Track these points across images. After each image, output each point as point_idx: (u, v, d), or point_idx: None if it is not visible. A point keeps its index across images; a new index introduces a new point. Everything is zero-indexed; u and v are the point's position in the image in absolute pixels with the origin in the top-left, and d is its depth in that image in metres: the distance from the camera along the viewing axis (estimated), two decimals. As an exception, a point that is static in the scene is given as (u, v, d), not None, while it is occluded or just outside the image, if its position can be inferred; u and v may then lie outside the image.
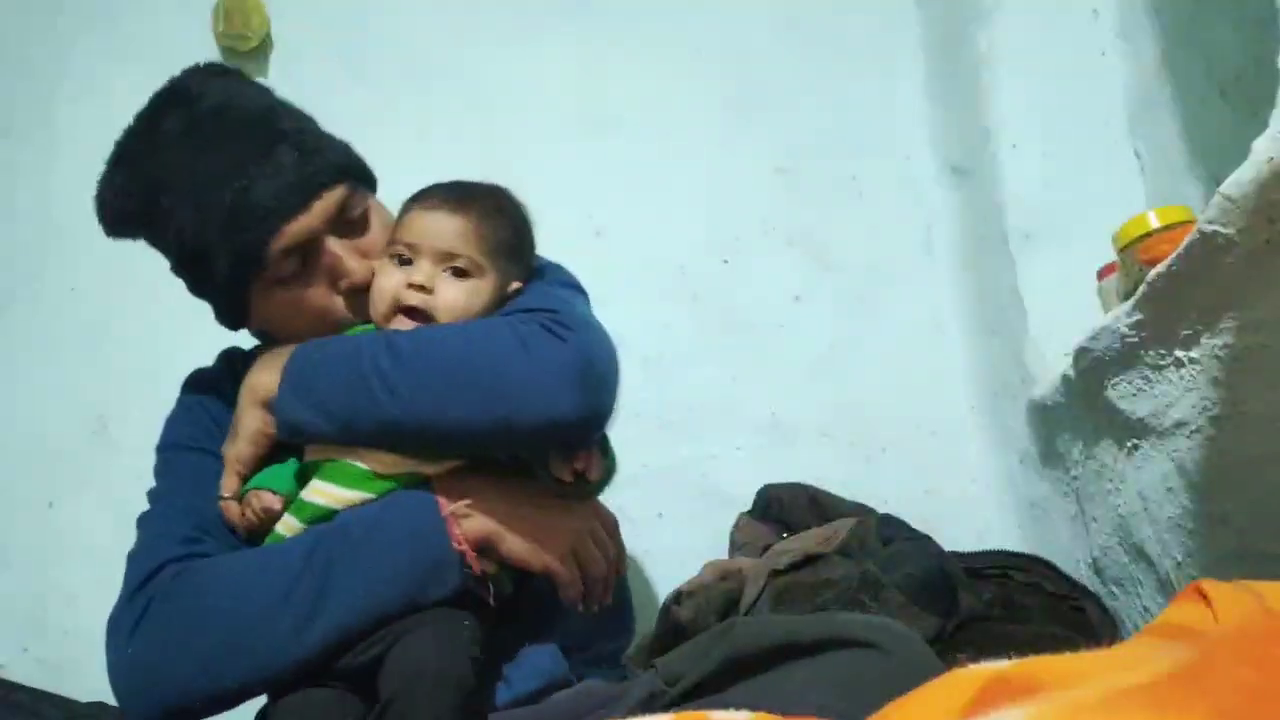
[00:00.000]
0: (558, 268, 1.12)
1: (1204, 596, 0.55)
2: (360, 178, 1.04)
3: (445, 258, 0.94)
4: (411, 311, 0.94)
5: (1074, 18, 1.51)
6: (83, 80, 1.76)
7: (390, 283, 0.94)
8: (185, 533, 0.93)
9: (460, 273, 0.94)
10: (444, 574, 0.87)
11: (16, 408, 1.63)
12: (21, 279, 1.68)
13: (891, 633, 0.75)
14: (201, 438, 1.02)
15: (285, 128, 1.00)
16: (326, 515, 0.91)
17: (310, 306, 0.99)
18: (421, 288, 0.93)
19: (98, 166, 1.73)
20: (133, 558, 0.92)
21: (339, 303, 1.00)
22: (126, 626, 0.84)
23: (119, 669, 0.84)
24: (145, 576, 0.87)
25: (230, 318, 1.05)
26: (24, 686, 1.03)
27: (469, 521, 0.90)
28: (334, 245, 0.98)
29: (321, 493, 0.92)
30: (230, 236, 0.94)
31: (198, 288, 1.03)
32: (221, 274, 0.97)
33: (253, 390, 0.94)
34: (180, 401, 1.11)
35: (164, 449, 1.05)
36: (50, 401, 1.63)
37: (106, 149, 1.73)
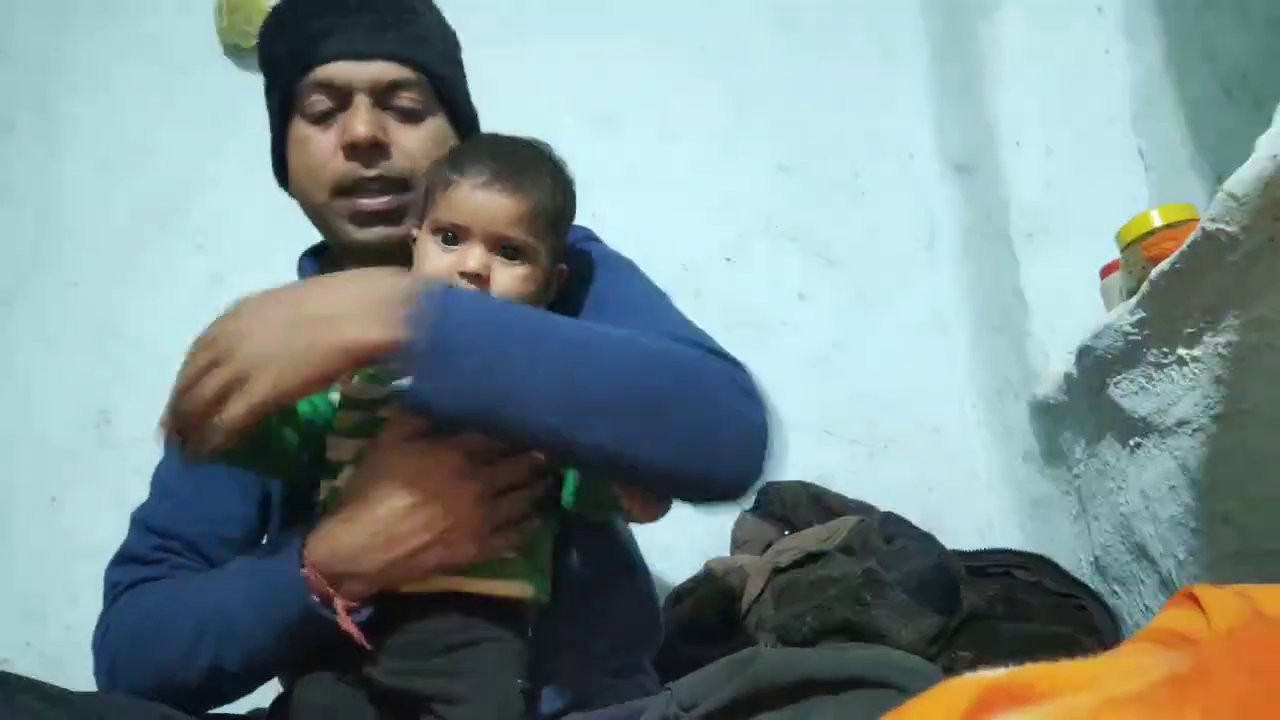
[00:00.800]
0: (598, 243, 1.05)
1: (1196, 601, 0.55)
2: (443, 92, 0.98)
3: (499, 240, 0.85)
4: None
5: (1078, 15, 1.51)
6: (85, 77, 1.76)
7: (440, 267, 0.85)
8: (148, 548, 0.92)
9: (513, 255, 0.86)
10: (287, 597, 0.79)
11: (18, 403, 1.63)
12: (24, 275, 1.69)
13: (916, 674, 0.71)
14: None
15: (412, 5, 0.99)
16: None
17: (314, 151, 0.94)
18: (477, 276, 0.84)
19: (100, 162, 1.74)
20: (111, 561, 0.93)
21: (338, 161, 0.93)
22: (102, 638, 0.89)
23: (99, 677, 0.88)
24: (107, 600, 0.91)
25: (275, 159, 1.02)
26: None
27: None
28: (361, 103, 0.93)
29: None
30: (289, 58, 0.95)
31: (271, 125, 1.02)
32: (271, 96, 0.98)
33: (322, 325, 0.73)
34: None
35: None
36: (52, 397, 1.63)
37: (109, 144, 1.74)
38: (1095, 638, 1.17)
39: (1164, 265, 0.94)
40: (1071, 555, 1.35)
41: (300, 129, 0.96)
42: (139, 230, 1.71)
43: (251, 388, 0.71)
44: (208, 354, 0.73)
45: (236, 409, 0.72)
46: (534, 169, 0.88)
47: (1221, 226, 0.82)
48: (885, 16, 1.85)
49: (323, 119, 0.95)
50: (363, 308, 0.73)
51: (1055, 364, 1.34)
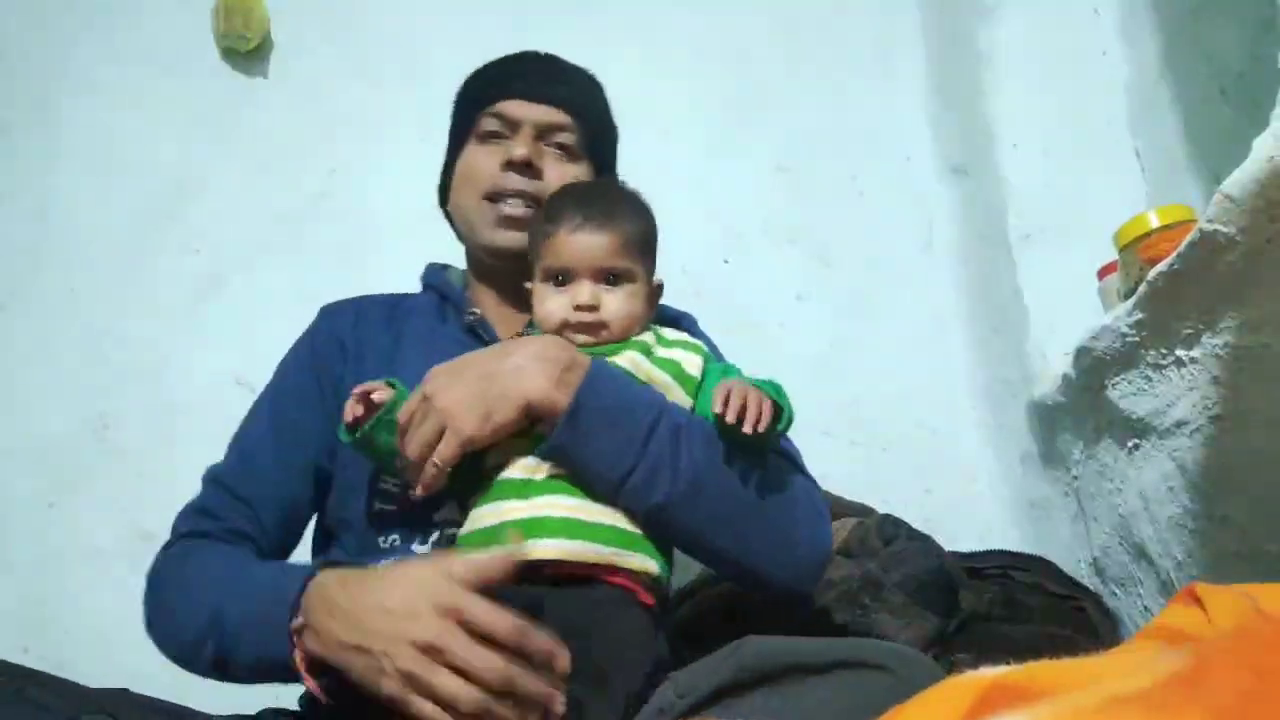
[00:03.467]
0: (697, 329, 1.21)
1: (1198, 600, 0.55)
2: (593, 142, 1.16)
3: (602, 272, 0.98)
4: (583, 328, 0.98)
5: (1075, 17, 1.51)
6: (82, 80, 1.76)
7: (556, 307, 0.98)
8: (217, 502, 1.00)
9: (615, 281, 0.98)
10: (274, 636, 0.82)
11: (17, 408, 1.63)
12: (21, 279, 1.68)
13: (900, 656, 0.77)
14: (319, 363, 1.08)
15: (582, 70, 1.20)
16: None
17: (479, 167, 1.11)
18: (591, 308, 0.97)
19: (97, 165, 1.74)
20: (185, 508, 1.02)
21: (495, 173, 1.09)
22: (149, 583, 0.97)
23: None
24: (171, 539, 0.99)
25: (442, 182, 1.19)
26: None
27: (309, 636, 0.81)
28: (527, 133, 1.10)
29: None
30: (479, 91, 1.15)
31: (448, 150, 1.19)
32: (456, 125, 1.17)
33: (522, 377, 0.89)
34: (314, 327, 1.14)
35: (277, 374, 1.11)
36: (51, 402, 1.63)
37: (106, 148, 1.74)
38: (1094, 639, 1.17)
39: (1161, 266, 0.95)
40: (1070, 556, 1.35)
41: (470, 148, 1.13)
42: (136, 234, 1.70)
43: (458, 429, 0.87)
44: (419, 408, 0.89)
45: (446, 450, 0.87)
46: (616, 204, 1.01)
47: (1219, 228, 0.82)
48: (883, 18, 1.85)
49: (491, 140, 1.12)
50: (540, 367, 0.89)
51: (1053, 365, 1.34)
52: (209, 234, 1.72)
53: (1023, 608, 1.23)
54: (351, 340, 1.10)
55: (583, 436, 0.87)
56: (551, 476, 0.89)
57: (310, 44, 1.82)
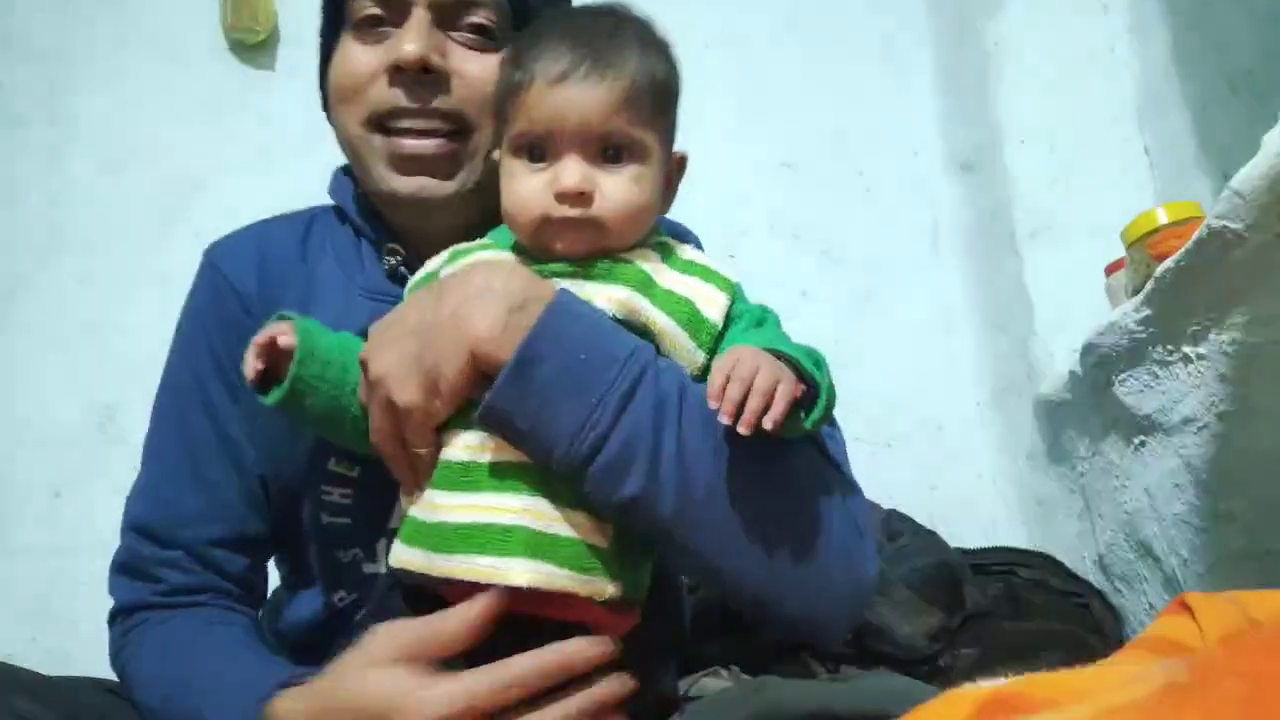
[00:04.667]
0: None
1: (1188, 609, 0.55)
2: (523, 14, 0.80)
3: (597, 142, 0.68)
4: (567, 226, 0.69)
5: (1083, 13, 1.50)
6: (92, 71, 1.76)
7: (530, 192, 0.68)
8: (149, 559, 0.81)
9: (616, 156, 0.69)
10: None
11: (24, 397, 1.64)
12: (30, 268, 1.69)
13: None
14: (213, 362, 0.84)
15: None
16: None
17: (353, 70, 0.79)
18: (579, 194, 0.67)
19: (105, 157, 1.74)
20: (114, 564, 0.84)
21: (379, 86, 0.78)
22: (112, 653, 0.82)
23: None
24: (113, 624, 0.83)
25: (321, 77, 0.86)
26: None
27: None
28: (419, 18, 0.77)
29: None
30: None
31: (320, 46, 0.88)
32: (325, 8, 0.85)
33: (461, 322, 0.65)
34: (191, 305, 0.90)
35: (173, 360, 0.88)
36: (57, 391, 1.64)
37: (115, 140, 1.74)
38: (1098, 636, 1.17)
39: (1169, 263, 0.94)
40: (1075, 553, 1.35)
41: (345, 42, 0.81)
42: (144, 225, 1.71)
43: (402, 402, 0.65)
44: (364, 385, 0.68)
45: (413, 436, 0.66)
46: (619, 39, 0.71)
47: (1227, 224, 0.82)
48: (890, 14, 1.85)
49: (370, 31, 0.79)
50: (485, 304, 0.65)
51: (1059, 362, 1.34)
52: (217, 225, 1.72)
53: (1027, 604, 1.23)
54: (258, 302, 0.83)
55: (528, 398, 0.63)
56: (498, 460, 0.65)
57: (318, 36, 1.82)
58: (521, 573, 0.62)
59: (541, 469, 0.65)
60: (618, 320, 0.68)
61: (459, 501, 0.65)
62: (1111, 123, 1.45)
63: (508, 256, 0.72)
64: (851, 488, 0.75)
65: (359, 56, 0.79)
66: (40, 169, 1.73)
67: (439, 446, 0.67)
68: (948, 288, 1.74)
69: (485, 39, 0.79)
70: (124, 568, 0.83)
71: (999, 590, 1.24)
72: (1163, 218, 1.11)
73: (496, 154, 0.73)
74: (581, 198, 0.68)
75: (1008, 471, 1.60)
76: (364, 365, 0.68)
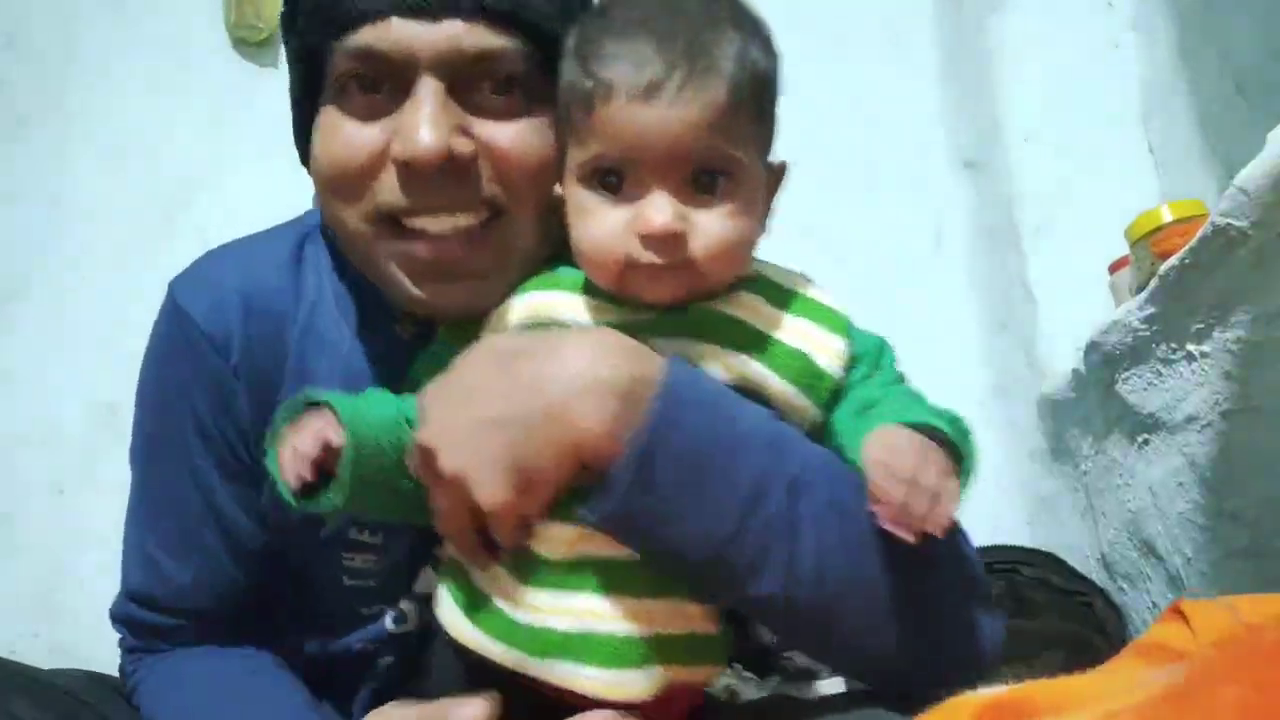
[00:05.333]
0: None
1: (1182, 615, 0.55)
2: (558, 66, 0.60)
3: (690, 168, 0.57)
4: (655, 275, 0.58)
5: (1088, 9, 1.50)
6: (95, 70, 1.76)
7: (609, 234, 0.57)
8: (150, 618, 0.77)
9: (710, 183, 0.58)
10: None
11: (26, 395, 1.64)
12: (32, 266, 1.69)
13: None
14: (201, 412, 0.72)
15: None
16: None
17: (347, 153, 0.61)
18: (672, 236, 0.56)
19: (109, 155, 1.75)
20: (115, 616, 0.80)
21: (388, 179, 0.61)
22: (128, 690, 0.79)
23: None
24: (127, 672, 0.79)
25: (298, 133, 0.70)
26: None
27: None
28: (428, 90, 0.59)
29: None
30: (316, 14, 0.62)
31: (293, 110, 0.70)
32: (293, 71, 0.66)
33: (564, 418, 0.55)
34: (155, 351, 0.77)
35: (146, 421, 0.77)
36: (60, 388, 1.64)
37: (118, 137, 1.74)
38: (1101, 635, 1.17)
39: (1173, 260, 0.94)
40: (1078, 552, 1.35)
41: (329, 117, 0.63)
42: (148, 222, 1.71)
43: (488, 503, 0.56)
44: (424, 478, 0.58)
45: (502, 534, 0.58)
46: (715, 27, 0.57)
47: (1231, 221, 0.82)
48: (895, 11, 1.84)
49: (362, 100, 0.62)
50: (593, 390, 0.55)
51: (1063, 360, 1.33)
52: (220, 223, 1.72)
53: (1030, 603, 1.23)
54: (244, 363, 0.70)
55: (647, 496, 0.54)
56: (604, 557, 0.57)
57: (321, 34, 1.82)
58: (637, 685, 0.56)
59: (656, 566, 0.57)
60: (730, 386, 0.59)
61: (564, 605, 0.57)
62: (1115, 120, 1.45)
63: (607, 332, 0.59)
64: (973, 551, 0.66)
65: (352, 139, 0.61)
66: (44, 166, 1.73)
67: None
68: (951, 285, 1.73)
69: (515, 96, 0.62)
70: (127, 623, 0.80)
71: (1001, 589, 1.23)
72: (1167, 215, 1.11)
73: (558, 188, 0.62)
74: (673, 240, 0.56)
75: (1010, 469, 1.60)
76: (425, 451, 0.57)
